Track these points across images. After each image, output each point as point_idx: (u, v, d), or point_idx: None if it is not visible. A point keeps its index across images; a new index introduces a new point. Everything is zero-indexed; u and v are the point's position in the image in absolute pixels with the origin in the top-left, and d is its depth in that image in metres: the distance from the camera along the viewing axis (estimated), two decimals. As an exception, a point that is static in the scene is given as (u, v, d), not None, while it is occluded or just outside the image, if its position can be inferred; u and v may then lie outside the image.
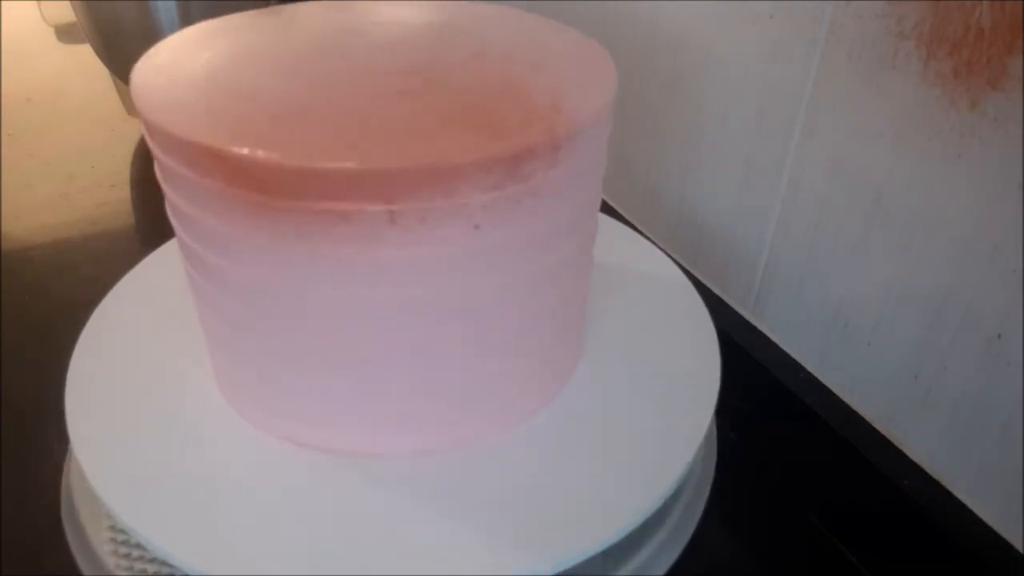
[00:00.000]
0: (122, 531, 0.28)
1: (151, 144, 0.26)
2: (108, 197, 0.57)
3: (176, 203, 0.26)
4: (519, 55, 0.28)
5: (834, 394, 0.36)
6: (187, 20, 0.55)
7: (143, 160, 0.61)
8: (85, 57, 0.68)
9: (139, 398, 0.30)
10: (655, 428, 0.30)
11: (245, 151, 0.22)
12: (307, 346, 0.27)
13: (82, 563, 0.29)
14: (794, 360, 0.38)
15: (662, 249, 0.40)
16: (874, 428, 0.34)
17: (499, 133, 0.23)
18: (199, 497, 0.27)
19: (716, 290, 0.43)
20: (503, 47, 0.29)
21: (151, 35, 0.56)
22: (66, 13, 0.79)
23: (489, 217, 0.24)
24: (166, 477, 0.27)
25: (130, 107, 0.69)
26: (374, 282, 0.25)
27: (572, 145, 0.25)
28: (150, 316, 0.34)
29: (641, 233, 0.47)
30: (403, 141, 0.23)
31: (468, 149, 0.23)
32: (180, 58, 0.28)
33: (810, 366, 0.37)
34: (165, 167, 0.25)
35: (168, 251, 0.38)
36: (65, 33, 0.86)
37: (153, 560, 0.28)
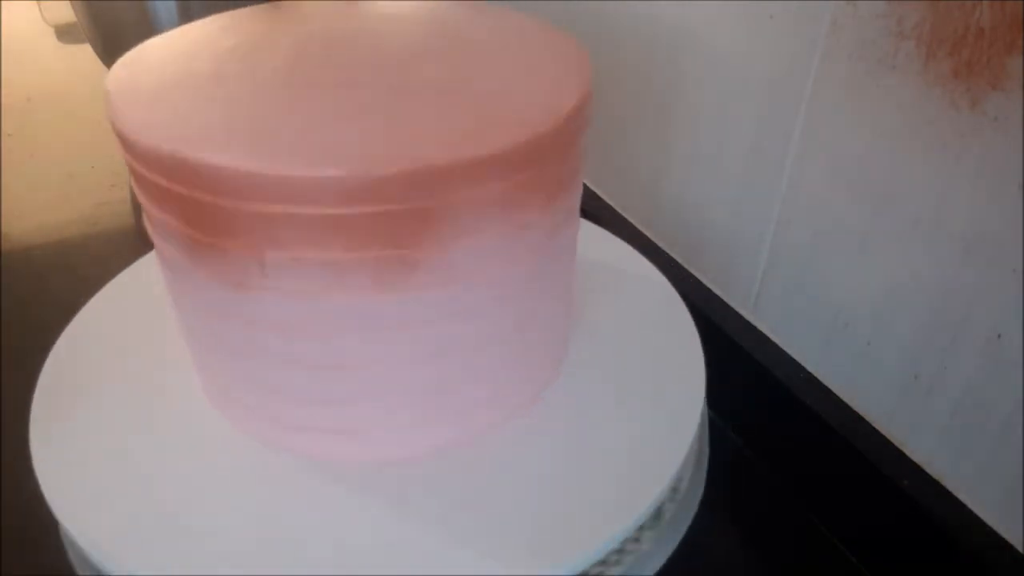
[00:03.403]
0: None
1: (121, 150, 0.25)
2: (108, 197, 0.57)
3: (150, 211, 0.26)
4: (498, 59, 0.28)
5: (834, 394, 0.36)
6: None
7: (143, 160, 0.61)
8: (85, 57, 0.68)
9: (114, 404, 0.30)
10: (641, 429, 0.30)
11: (201, 156, 0.22)
12: (274, 353, 0.26)
13: (76, 563, 0.29)
14: (794, 360, 0.38)
15: (657, 248, 0.40)
16: (874, 428, 0.34)
17: (477, 139, 0.23)
18: (177, 504, 0.27)
19: (716, 290, 0.43)
20: (486, 51, 0.29)
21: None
22: (66, 13, 0.79)
23: (467, 222, 0.24)
24: (138, 489, 0.27)
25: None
26: (343, 291, 0.24)
27: (538, 154, 0.25)
28: (136, 321, 0.34)
29: (641, 233, 0.47)
30: (371, 148, 0.23)
31: (447, 154, 0.23)
32: (154, 63, 0.28)
33: (810, 366, 0.37)
34: (134, 171, 0.25)
35: (145, 264, 0.38)
36: (65, 33, 0.86)
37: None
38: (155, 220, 0.26)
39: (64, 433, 0.29)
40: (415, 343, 0.26)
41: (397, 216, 0.23)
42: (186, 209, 0.24)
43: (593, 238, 0.40)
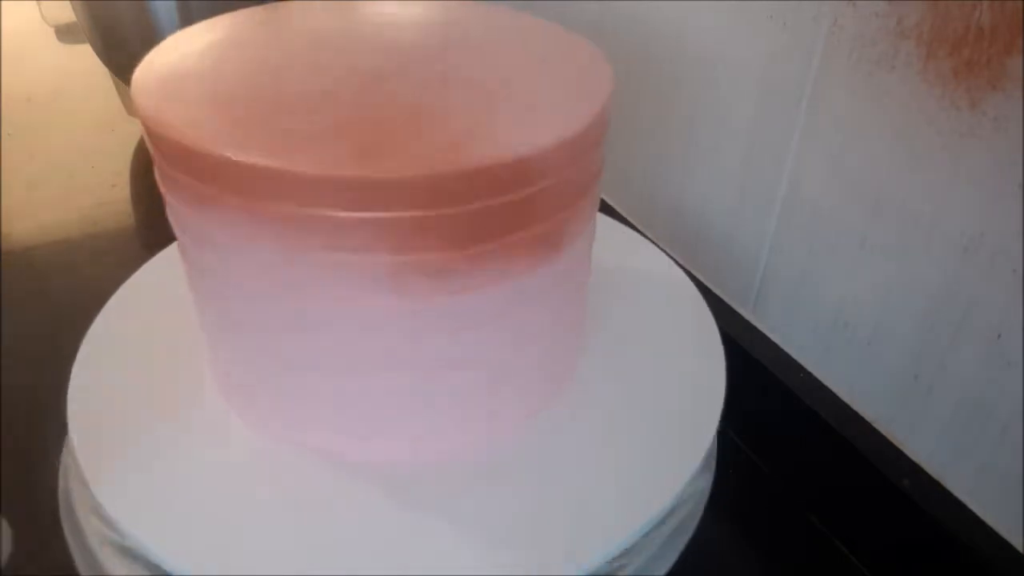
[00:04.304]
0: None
1: (151, 148, 0.26)
2: (108, 197, 0.57)
3: (176, 207, 0.26)
4: (514, 63, 0.28)
5: (834, 394, 0.36)
6: (187, 20, 0.55)
7: (143, 160, 0.61)
8: (85, 57, 0.68)
9: (142, 402, 0.30)
10: (659, 431, 0.30)
11: (240, 156, 0.22)
12: (299, 352, 0.26)
13: (80, 563, 0.29)
14: (794, 360, 0.38)
15: (663, 250, 0.40)
16: (874, 428, 0.34)
17: (490, 148, 0.23)
18: (199, 500, 0.27)
19: (716, 290, 0.43)
20: (500, 54, 0.29)
21: (151, 35, 0.56)
22: (66, 13, 0.79)
23: (482, 228, 0.24)
24: (165, 480, 0.27)
25: (130, 107, 0.69)
26: (366, 294, 0.24)
27: (559, 158, 0.25)
28: (154, 320, 0.34)
29: (641, 233, 0.47)
30: (395, 151, 0.23)
31: (460, 161, 0.23)
32: (182, 60, 0.28)
33: (810, 366, 0.37)
34: (165, 172, 0.25)
35: (166, 256, 0.38)
36: (65, 33, 0.86)
37: (149, 561, 0.28)
38: (192, 226, 0.26)
39: (102, 425, 0.30)
40: (443, 348, 0.26)
41: (447, 219, 0.23)
42: (230, 211, 0.24)
43: (617, 236, 0.40)
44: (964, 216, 0.29)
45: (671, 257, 0.39)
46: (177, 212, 0.27)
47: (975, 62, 0.27)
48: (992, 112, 0.27)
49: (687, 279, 0.38)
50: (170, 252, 0.38)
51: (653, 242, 0.41)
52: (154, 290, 0.36)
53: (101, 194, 0.58)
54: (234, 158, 0.22)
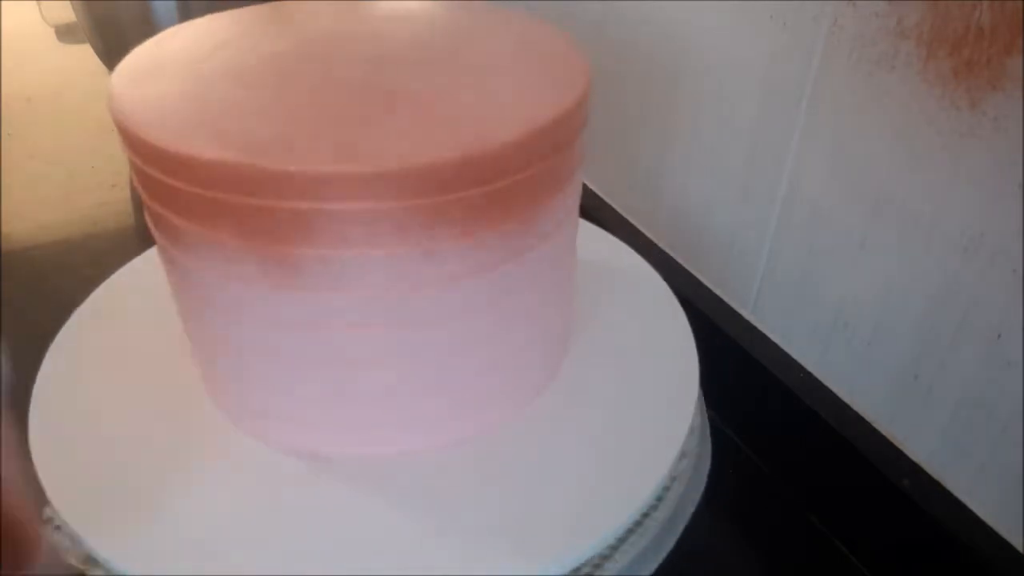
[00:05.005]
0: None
1: (128, 151, 0.25)
2: (108, 197, 0.57)
3: (151, 207, 0.26)
4: (496, 57, 0.29)
5: (834, 394, 0.36)
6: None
7: (143, 160, 0.61)
8: (85, 57, 0.68)
9: (115, 402, 0.30)
10: (639, 425, 0.30)
11: (206, 153, 0.22)
12: (282, 350, 0.26)
13: (80, 563, 0.29)
14: (794, 360, 0.38)
15: (657, 248, 0.40)
16: (874, 428, 0.34)
17: (471, 137, 0.23)
18: (184, 505, 0.27)
19: (716, 290, 0.43)
20: (484, 50, 0.29)
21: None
22: (66, 13, 0.79)
23: (459, 220, 0.24)
24: (154, 484, 0.27)
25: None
26: (346, 289, 0.24)
27: (538, 149, 0.25)
28: (128, 321, 0.34)
29: (641, 233, 0.47)
30: (372, 144, 0.23)
31: (439, 153, 0.23)
32: (159, 59, 0.28)
33: (810, 366, 0.37)
34: (140, 171, 0.25)
35: (143, 262, 0.38)
36: (65, 33, 0.86)
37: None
38: (168, 224, 0.26)
39: (62, 425, 0.29)
40: (433, 339, 0.26)
41: (417, 210, 0.23)
42: (202, 207, 0.24)
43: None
44: (964, 216, 0.29)
45: (670, 256, 0.39)
46: (152, 212, 0.27)
47: (975, 62, 0.27)
48: (992, 112, 0.27)
49: (643, 261, 0.38)
50: (140, 261, 0.38)
51: (650, 239, 0.41)
52: (135, 288, 0.36)
53: (101, 194, 0.58)
54: (202, 156, 0.22)
